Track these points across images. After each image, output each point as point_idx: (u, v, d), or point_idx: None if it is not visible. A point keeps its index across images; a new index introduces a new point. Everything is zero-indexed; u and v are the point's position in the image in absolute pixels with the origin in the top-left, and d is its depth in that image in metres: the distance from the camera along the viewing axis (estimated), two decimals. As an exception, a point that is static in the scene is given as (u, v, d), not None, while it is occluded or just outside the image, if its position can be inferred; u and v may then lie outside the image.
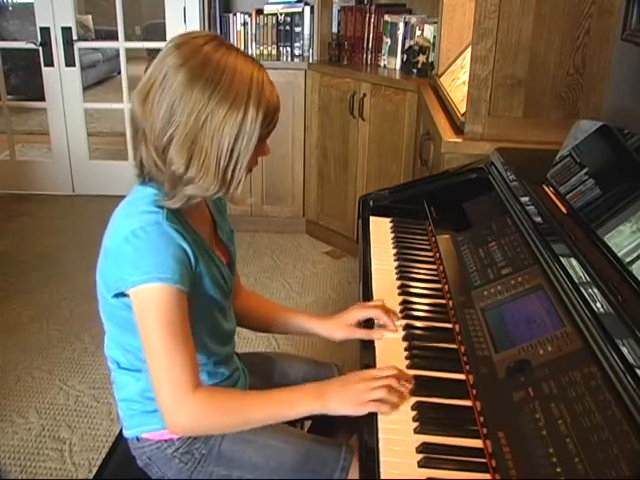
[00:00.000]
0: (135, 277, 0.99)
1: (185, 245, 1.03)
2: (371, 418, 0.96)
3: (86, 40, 5.77)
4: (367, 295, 1.33)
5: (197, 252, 1.06)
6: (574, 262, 1.03)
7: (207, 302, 1.13)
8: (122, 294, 1.05)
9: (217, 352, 1.19)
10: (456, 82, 2.30)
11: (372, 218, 1.65)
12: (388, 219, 1.65)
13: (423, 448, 0.89)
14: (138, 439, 1.18)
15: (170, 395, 1.01)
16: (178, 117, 0.99)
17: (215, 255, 1.16)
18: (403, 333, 1.17)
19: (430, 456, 0.88)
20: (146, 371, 1.12)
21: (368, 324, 1.25)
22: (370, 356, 1.14)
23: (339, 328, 1.28)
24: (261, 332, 1.44)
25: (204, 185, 1.02)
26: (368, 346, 1.17)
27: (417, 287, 1.33)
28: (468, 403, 0.97)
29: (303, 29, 3.51)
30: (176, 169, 1.01)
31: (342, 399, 1.01)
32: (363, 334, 1.22)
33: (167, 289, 0.99)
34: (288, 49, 3.55)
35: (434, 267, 1.40)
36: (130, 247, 1.00)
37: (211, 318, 1.16)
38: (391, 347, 1.15)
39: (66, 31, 3.74)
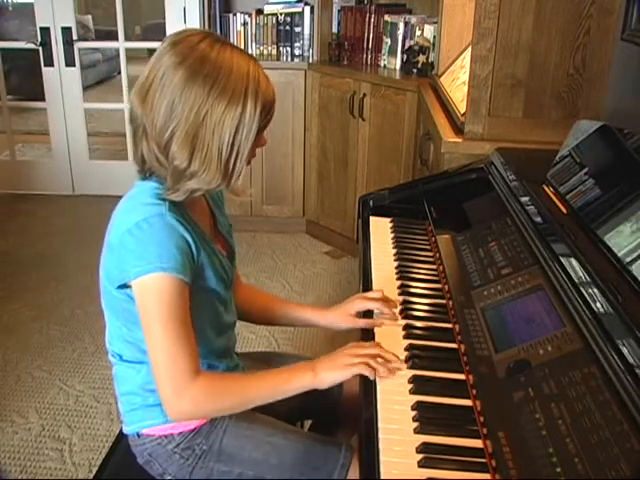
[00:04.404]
0: (139, 268, 1.01)
1: (187, 236, 1.05)
2: (371, 418, 0.97)
3: (86, 40, 5.77)
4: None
5: (199, 243, 1.08)
6: (574, 262, 1.03)
7: (209, 293, 1.14)
8: (125, 285, 1.06)
9: (217, 344, 1.21)
10: (456, 82, 2.30)
11: (372, 218, 1.65)
12: (388, 219, 1.65)
13: (423, 448, 0.89)
14: (139, 435, 1.18)
15: (171, 383, 1.03)
16: (179, 113, 1.01)
17: (216, 247, 1.18)
18: (403, 332, 1.17)
19: (430, 456, 0.88)
20: (147, 363, 1.12)
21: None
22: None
23: (341, 318, 1.30)
24: (261, 324, 1.47)
25: (207, 178, 1.04)
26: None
27: (417, 287, 1.33)
28: (468, 403, 0.97)
29: (303, 29, 3.51)
30: (179, 164, 1.03)
31: (330, 367, 1.08)
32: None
33: (169, 278, 1.01)
34: (288, 49, 3.55)
35: (434, 267, 1.40)
36: (134, 239, 1.02)
37: (212, 309, 1.17)
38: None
39: (66, 31, 3.74)
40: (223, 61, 1.02)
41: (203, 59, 1.01)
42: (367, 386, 1.04)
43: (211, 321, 1.17)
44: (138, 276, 1.01)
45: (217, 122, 1.01)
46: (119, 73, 4.49)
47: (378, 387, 1.03)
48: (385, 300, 1.26)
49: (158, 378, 1.03)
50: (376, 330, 1.22)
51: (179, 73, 1.00)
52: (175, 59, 1.01)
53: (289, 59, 3.53)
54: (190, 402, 1.04)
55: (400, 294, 1.30)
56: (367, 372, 1.05)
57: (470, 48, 1.85)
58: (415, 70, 3.04)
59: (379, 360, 1.06)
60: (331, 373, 1.08)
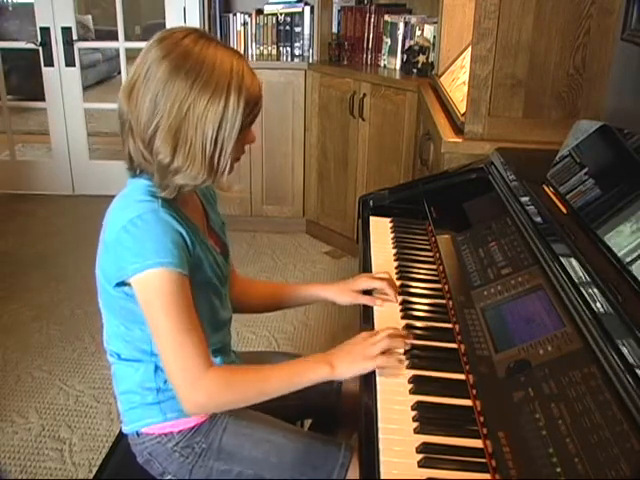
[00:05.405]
0: (137, 264, 1.01)
1: (182, 230, 1.06)
2: (371, 418, 0.96)
3: (86, 40, 5.77)
4: (367, 294, 1.33)
5: (193, 238, 1.09)
6: (574, 262, 1.03)
7: (205, 287, 1.14)
8: (123, 283, 1.06)
9: (213, 340, 1.21)
10: (456, 82, 2.30)
11: (372, 218, 1.65)
12: (388, 219, 1.65)
13: (423, 448, 0.89)
14: (138, 434, 1.18)
15: (184, 375, 1.03)
16: (162, 108, 1.01)
17: (209, 243, 1.18)
18: (403, 332, 1.17)
19: (430, 456, 0.88)
20: (145, 362, 1.12)
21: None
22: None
23: (344, 292, 1.33)
24: (268, 312, 1.51)
25: (192, 174, 1.04)
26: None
27: (417, 287, 1.33)
28: (468, 403, 0.97)
29: (303, 29, 3.51)
30: (162, 159, 1.03)
31: (349, 361, 1.07)
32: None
33: (169, 273, 1.01)
34: (288, 49, 3.55)
35: (434, 267, 1.40)
36: (129, 236, 1.02)
37: (208, 304, 1.17)
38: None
39: (66, 31, 3.74)
40: (206, 56, 1.03)
41: (186, 54, 1.02)
42: (367, 386, 1.04)
43: (208, 317, 1.17)
44: (136, 273, 1.01)
45: (200, 117, 1.01)
46: (119, 73, 4.49)
47: (378, 387, 1.03)
48: (390, 282, 1.29)
49: (170, 372, 1.04)
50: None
51: (162, 67, 1.01)
52: (159, 54, 1.03)
53: (289, 59, 3.53)
54: (205, 393, 1.03)
55: (400, 294, 1.30)
56: (391, 361, 1.05)
57: (470, 48, 1.85)
58: (415, 70, 3.04)
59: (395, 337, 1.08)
60: (350, 367, 1.07)
